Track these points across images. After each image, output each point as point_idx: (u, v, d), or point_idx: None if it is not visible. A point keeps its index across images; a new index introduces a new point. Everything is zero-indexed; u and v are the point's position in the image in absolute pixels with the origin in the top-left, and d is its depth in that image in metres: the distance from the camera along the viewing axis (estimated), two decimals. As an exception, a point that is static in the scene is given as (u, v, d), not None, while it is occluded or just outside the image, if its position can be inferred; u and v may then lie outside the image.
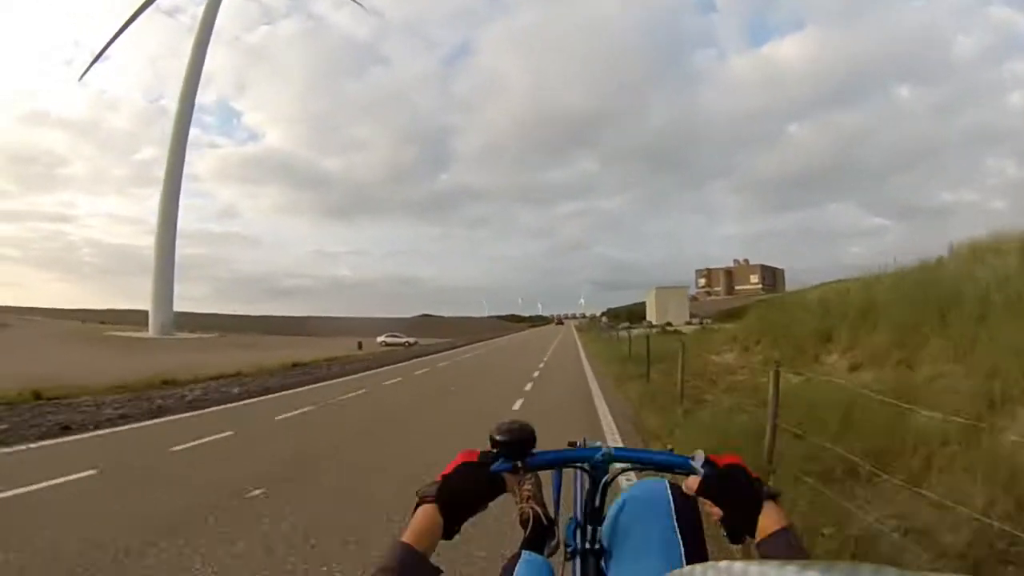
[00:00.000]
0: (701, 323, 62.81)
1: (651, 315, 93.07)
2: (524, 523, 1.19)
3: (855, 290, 10.87)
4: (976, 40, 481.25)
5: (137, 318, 68.95)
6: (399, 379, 14.65)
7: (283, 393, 11.84)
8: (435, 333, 66.05)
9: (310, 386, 13.34)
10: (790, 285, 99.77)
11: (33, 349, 35.66)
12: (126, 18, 58.32)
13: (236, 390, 12.42)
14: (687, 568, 0.66)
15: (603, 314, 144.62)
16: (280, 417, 8.44)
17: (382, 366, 19.72)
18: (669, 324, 59.69)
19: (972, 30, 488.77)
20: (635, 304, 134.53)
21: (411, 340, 45.92)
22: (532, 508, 1.20)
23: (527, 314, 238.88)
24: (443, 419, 8.47)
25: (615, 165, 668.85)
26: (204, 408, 9.48)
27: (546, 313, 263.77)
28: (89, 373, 14.27)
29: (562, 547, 1.19)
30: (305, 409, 9.29)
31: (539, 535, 1.18)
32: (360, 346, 37.15)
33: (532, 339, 47.80)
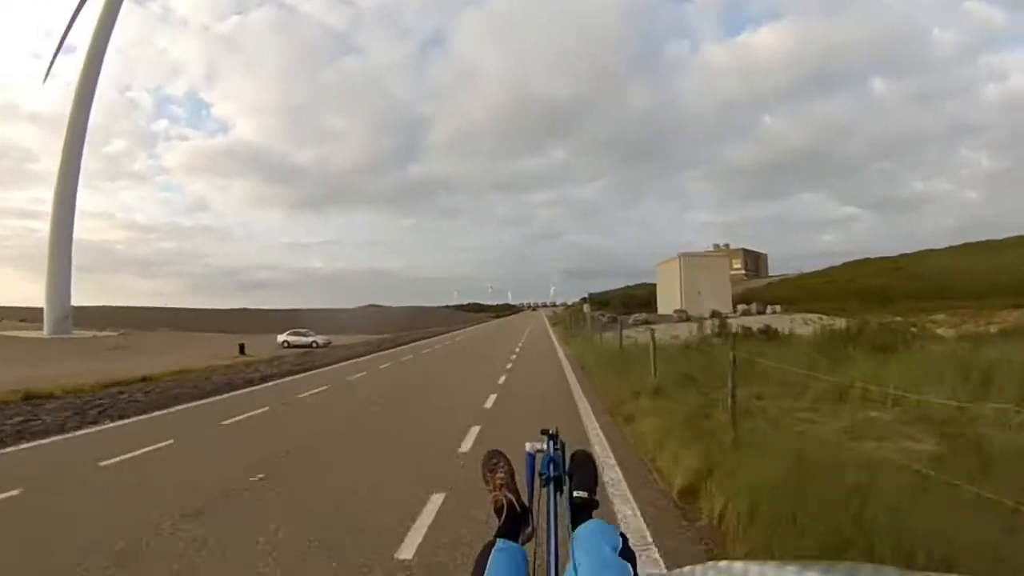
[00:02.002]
0: (763, 312, 39.54)
1: (669, 301, 57.54)
2: (498, 511, 1.21)
3: None
4: (953, 33, 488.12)
5: (98, 315, 64.86)
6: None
7: None
8: (377, 327, 56.40)
9: None
10: (772, 271, 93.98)
11: None
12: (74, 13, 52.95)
13: None
14: (687, 568, 0.64)
15: (584, 300, 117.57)
16: None
17: (165, 406, 10.48)
18: (717, 314, 32.81)
19: (949, 23, 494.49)
20: (630, 287, 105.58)
21: (319, 340, 35.80)
22: (506, 496, 1.22)
23: (496, 303, 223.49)
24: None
25: (589, 154, 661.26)
26: None
27: (515, 302, 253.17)
28: None
29: (537, 529, 1.22)
30: None
31: (514, 522, 1.19)
32: (242, 350, 27.31)
33: (485, 340, 37.83)
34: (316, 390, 12.79)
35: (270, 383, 14.78)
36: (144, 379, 16.29)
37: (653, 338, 9.96)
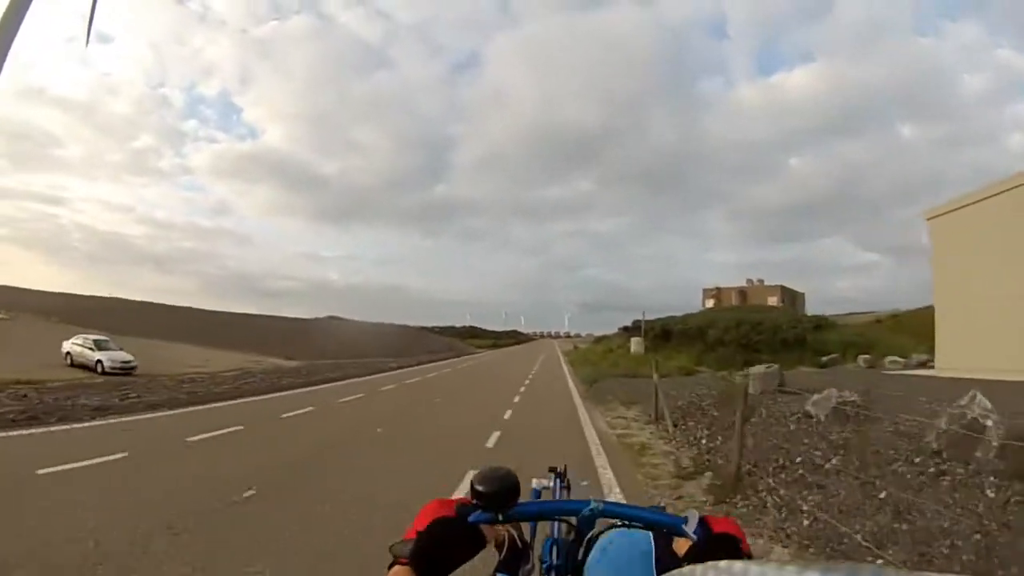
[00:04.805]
0: None
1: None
2: (499, 545, 1.12)
3: None
4: (981, 80, 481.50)
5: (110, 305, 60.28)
6: None
7: None
8: (321, 349, 42.91)
9: None
10: (809, 311, 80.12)
11: None
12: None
13: None
14: (687, 568, 0.61)
15: (630, 331, 63.02)
16: None
17: None
18: None
19: (978, 70, 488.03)
20: (709, 310, 69.30)
21: (106, 362, 21.56)
22: (507, 530, 1.14)
23: (503, 328, 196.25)
24: None
25: (613, 186, 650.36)
26: None
27: (528, 330, 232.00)
28: None
29: (537, 566, 1.15)
30: None
31: (514, 557, 1.12)
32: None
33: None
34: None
35: None
36: None
37: None
